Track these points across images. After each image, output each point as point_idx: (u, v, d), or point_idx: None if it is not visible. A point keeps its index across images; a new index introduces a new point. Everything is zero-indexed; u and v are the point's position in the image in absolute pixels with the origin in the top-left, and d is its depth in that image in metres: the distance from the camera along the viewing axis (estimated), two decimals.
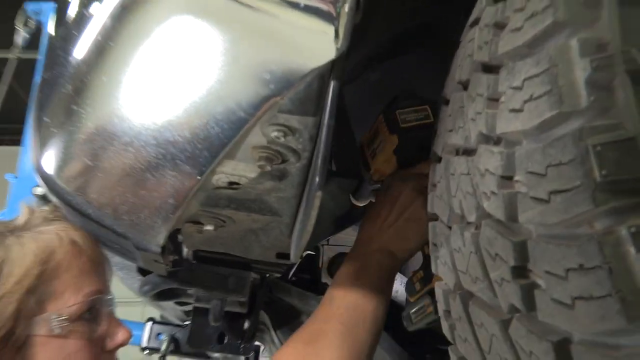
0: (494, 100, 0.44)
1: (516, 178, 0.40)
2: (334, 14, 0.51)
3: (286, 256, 0.86)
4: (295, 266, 1.30)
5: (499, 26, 0.45)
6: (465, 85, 0.53)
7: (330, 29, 0.51)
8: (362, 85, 0.99)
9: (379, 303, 0.76)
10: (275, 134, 0.58)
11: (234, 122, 0.56)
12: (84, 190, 0.64)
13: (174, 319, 1.44)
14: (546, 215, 0.37)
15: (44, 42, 1.63)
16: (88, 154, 0.62)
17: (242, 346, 1.16)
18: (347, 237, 1.40)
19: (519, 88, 0.39)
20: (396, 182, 0.82)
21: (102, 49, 0.58)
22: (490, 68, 0.46)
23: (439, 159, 0.60)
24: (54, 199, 0.69)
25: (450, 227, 0.55)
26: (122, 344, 0.77)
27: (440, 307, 0.61)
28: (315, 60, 0.52)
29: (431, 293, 0.76)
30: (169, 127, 0.58)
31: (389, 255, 0.80)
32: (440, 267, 0.60)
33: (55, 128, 0.63)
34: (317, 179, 0.56)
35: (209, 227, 0.75)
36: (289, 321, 1.21)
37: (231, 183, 0.66)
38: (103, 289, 0.75)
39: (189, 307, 1.17)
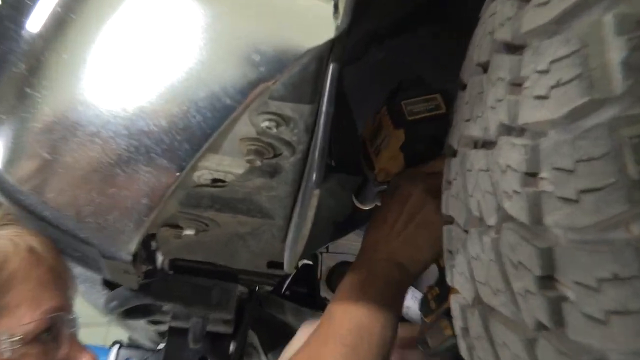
0: (516, 85, 0.44)
1: (541, 175, 0.40)
2: None
3: (279, 265, 0.87)
4: (290, 277, 1.31)
5: None
6: (485, 68, 0.53)
7: (328, 3, 0.52)
8: (362, 65, 0.99)
9: (387, 322, 0.76)
10: (266, 124, 0.58)
11: (218, 110, 0.57)
12: (39, 189, 0.64)
13: (145, 341, 1.44)
14: (575, 218, 0.37)
15: None
16: (45, 146, 0.62)
17: None
18: (350, 243, 1.41)
19: (545, 71, 0.40)
20: (404, 183, 0.82)
21: (62, 21, 0.58)
22: (513, 48, 0.46)
23: (455, 153, 0.61)
24: (2, 199, 0.69)
25: (467, 231, 0.56)
26: None
27: (457, 324, 0.61)
28: (312, 39, 0.53)
29: (449, 313, 0.75)
30: (142, 115, 0.58)
31: (397, 267, 0.79)
32: (457, 277, 0.60)
33: (4, 114, 0.63)
34: (314, 176, 0.56)
35: (189, 232, 0.75)
36: (281, 342, 1.21)
37: (215, 180, 0.67)
38: (65, 306, 0.75)
39: (163, 327, 1.18)
